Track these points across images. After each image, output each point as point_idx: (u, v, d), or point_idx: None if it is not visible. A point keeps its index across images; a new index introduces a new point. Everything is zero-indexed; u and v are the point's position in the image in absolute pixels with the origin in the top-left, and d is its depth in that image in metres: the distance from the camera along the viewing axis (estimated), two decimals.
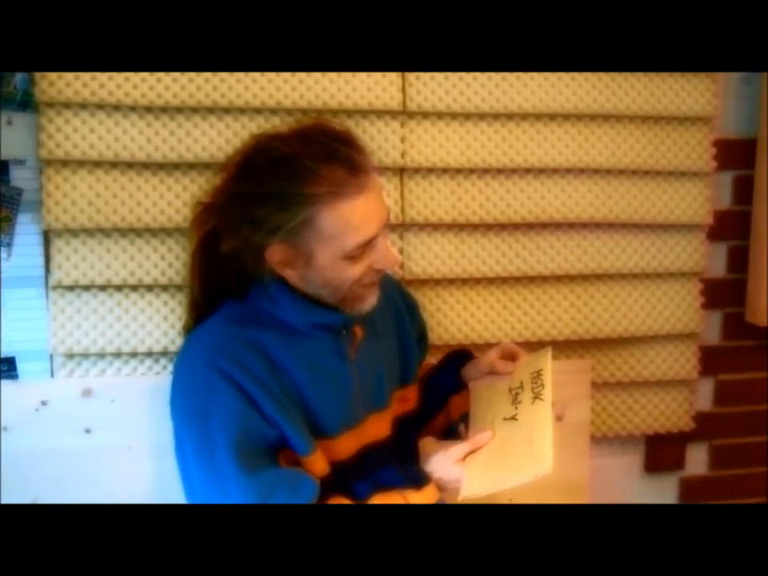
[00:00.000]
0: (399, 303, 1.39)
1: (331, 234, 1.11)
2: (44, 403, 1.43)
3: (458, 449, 1.19)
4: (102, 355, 1.48)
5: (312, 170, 1.09)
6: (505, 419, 1.22)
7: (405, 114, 1.56)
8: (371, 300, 1.20)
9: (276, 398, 1.13)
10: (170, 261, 1.47)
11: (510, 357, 1.32)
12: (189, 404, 1.14)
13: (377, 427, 1.27)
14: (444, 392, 1.38)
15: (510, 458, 1.17)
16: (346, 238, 1.11)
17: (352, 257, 1.13)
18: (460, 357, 1.42)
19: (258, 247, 1.13)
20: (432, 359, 1.53)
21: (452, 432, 1.35)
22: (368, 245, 1.13)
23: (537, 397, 1.21)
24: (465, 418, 1.30)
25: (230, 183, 1.17)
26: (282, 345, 1.17)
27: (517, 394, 1.24)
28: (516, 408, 1.22)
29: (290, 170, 1.09)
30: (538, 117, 1.61)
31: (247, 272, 1.19)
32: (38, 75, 1.37)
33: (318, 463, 1.17)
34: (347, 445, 1.22)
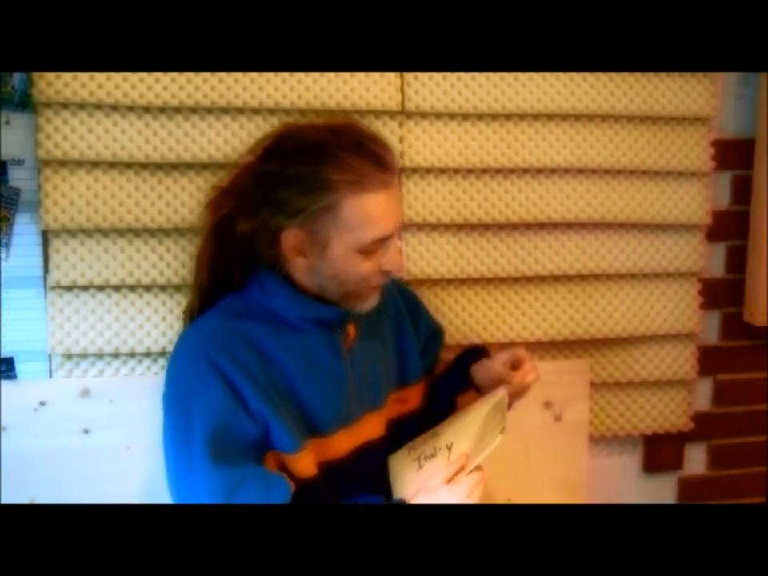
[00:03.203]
0: (399, 302, 1.39)
1: (350, 225, 1.11)
2: (42, 403, 1.43)
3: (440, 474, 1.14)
4: (100, 355, 1.47)
5: (340, 157, 1.10)
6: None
7: (403, 114, 1.55)
8: (372, 300, 1.21)
9: (264, 392, 1.13)
10: (168, 261, 1.47)
11: (517, 365, 1.29)
12: (174, 390, 1.17)
13: (372, 427, 1.27)
14: (451, 392, 1.37)
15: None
16: (363, 231, 1.12)
17: (365, 252, 1.14)
18: (471, 354, 1.40)
19: (275, 229, 1.14)
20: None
21: None
22: (382, 242, 1.14)
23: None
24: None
25: (255, 165, 1.18)
26: (276, 338, 1.17)
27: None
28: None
29: (319, 156, 1.11)
30: (536, 117, 1.61)
31: (256, 258, 1.19)
32: (36, 75, 1.37)
33: (305, 462, 1.16)
34: (342, 443, 1.22)
